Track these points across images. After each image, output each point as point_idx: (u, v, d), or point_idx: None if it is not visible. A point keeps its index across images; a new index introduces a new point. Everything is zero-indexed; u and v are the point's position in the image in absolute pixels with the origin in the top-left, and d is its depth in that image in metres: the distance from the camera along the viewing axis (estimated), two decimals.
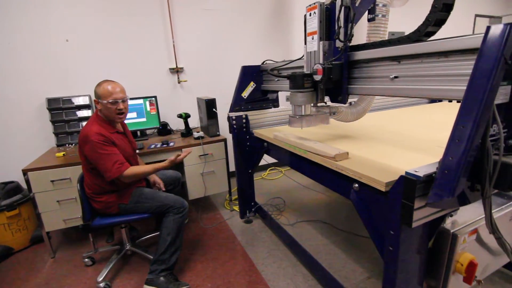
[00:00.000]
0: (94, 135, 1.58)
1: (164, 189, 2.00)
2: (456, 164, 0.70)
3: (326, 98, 1.51)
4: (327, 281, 1.63)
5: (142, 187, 1.85)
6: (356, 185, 1.17)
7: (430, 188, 0.75)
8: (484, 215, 1.02)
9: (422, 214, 0.81)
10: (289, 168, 3.57)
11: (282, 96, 2.49)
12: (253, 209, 2.45)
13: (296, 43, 3.46)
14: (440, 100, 3.13)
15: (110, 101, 1.64)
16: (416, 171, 0.78)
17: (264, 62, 2.23)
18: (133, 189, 1.79)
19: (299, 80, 1.41)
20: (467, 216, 0.99)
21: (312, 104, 1.50)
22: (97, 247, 2.06)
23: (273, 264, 1.90)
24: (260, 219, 2.47)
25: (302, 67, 1.71)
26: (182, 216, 1.76)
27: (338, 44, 1.33)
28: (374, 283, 1.67)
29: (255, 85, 2.27)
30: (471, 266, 0.90)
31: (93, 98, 1.70)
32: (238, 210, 2.56)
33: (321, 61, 1.38)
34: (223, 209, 2.70)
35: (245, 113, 2.19)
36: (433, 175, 0.77)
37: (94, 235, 2.02)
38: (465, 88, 0.91)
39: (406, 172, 0.80)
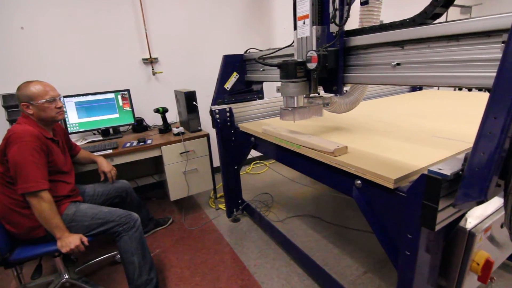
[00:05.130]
0: (30, 136, 1.35)
1: (114, 177, 1.81)
2: (488, 160, 0.62)
3: (319, 88, 1.41)
4: (324, 280, 1.56)
5: (78, 202, 1.56)
6: (359, 181, 1.09)
7: (458, 188, 0.67)
8: (493, 211, 0.98)
9: (444, 215, 0.74)
10: (273, 161, 3.48)
11: (267, 87, 2.36)
12: (240, 207, 2.33)
13: (277, 31, 3.33)
14: (420, 88, 3.15)
15: (48, 99, 1.44)
16: (440, 169, 0.70)
17: (247, 50, 2.08)
18: (66, 204, 1.48)
19: (291, 69, 1.28)
20: (478, 213, 0.94)
21: (304, 95, 1.39)
22: (24, 283, 1.62)
23: (266, 264, 1.81)
24: (248, 217, 2.36)
25: (290, 55, 1.59)
26: (137, 229, 1.53)
27: (333, 28, 1.22)
28: (371, 278, 1.63)
29: (238, 75, 2.12)
30: (488, 264, 0.85)
31: (20, 102, 1.42)
32: (224, 209, 2.44)
33: (314, 48, 1.26)
34: (208, 208, 2.57)
35: (229, 106, 2.05)
36: (460, 172, 0.69)
37: (19, 267, 1.55)
38: (479, 74, 0.85)
39: (429, 170, 0.72)
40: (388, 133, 1.47)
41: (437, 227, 0.72)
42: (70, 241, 1.38)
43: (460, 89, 3.06)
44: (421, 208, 0.74)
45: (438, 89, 3.15)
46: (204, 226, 2.28)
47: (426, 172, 0.75)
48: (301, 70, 1.29)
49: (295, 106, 1.36)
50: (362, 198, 1.08)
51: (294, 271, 1.74)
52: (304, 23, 1.30)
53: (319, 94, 1.43)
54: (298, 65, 1.28)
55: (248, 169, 3.34)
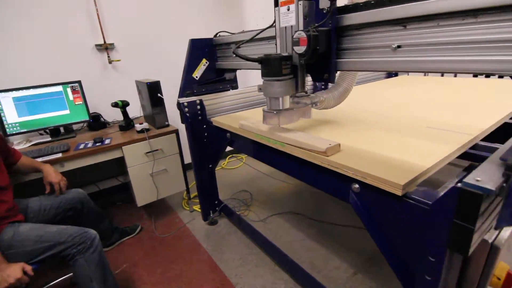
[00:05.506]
0: None
1: (63, 189, 1.53)
2: None
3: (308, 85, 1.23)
4: (312, 286, 1.43)
5: (18, 222, 1.29)
6: (356, 185, 0.93)
7: (503, 205, 0.53)
8: None
9: (477, 236, 0.60)
10: None
11: (241, 75, 2.14)
12: (217, 208, 2.13)
13: (249, 12, 3.07)
14: (396, 74, 3.09)
15: None
16: (478, 180, 0.55)
17: (217, 34, 1.84)
18: (2, 227, 1.23)
19: (276, 65, 1.08)
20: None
21: (290, 95, 1.20)
22: None
23: (249, 272, 1.65)
24: (226, 218, 2.17)
25: (271, 37, 1.38)
26: (94, 250, 1.30)
27: (323, 4, 1.03)
28: (361, 279, 1.53)
29: (208, 63, 1.87)
30: (509, 278, 0.75)
31: None
32: (199, 210, 2.22)
33: (301, 28, 1.07)
34: (181, 210, 2.33)
35: (199, 97, 1.81)
36: (504, 185, 0.55)
37: None
38: (503, 58, 0.71)
39: (465, 183, 0.56)
40: (378, 126, 1.34)
41: (471, 251, 0.59)
42: (9, 274, 1.10)
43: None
44: (451, 227, 0.59)
45: (407, 74, 3.06)
46: (178, 232, 2.06)
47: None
48: (287, 66, 1.10)
49: (281, 108, 1.17)
50: (361, 205, 0.93)
51: (280, 278, 1.59)
52: (288, 10, 1.09)
53: (306, 92, 1.24)
54: (283, 60, 1.08)
55: (224, 164, 3.13)
